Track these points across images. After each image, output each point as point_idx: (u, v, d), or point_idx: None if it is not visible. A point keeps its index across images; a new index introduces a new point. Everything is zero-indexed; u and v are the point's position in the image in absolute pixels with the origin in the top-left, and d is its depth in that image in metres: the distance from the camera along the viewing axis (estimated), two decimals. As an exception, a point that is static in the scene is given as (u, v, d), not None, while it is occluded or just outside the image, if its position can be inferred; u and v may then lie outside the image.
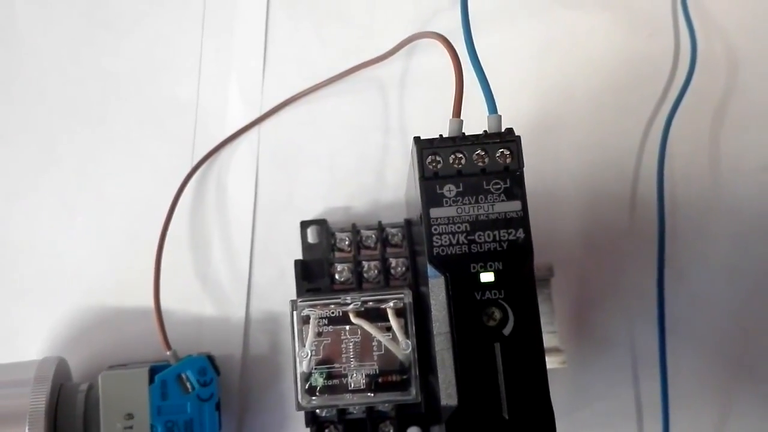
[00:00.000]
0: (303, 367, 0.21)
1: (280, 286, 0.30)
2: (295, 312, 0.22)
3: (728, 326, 0.30)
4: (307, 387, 0.21)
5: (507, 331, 0.17)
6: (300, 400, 0.21)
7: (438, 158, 0.18)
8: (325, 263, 0.27)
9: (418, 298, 0.22)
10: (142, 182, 0.31)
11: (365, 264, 0.27)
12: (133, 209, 0.31)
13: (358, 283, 0.26)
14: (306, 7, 0.32)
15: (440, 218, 0.18)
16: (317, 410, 0.25)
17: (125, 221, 0.31)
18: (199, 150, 0.31)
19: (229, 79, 0.31)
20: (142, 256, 0.30)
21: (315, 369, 0.21)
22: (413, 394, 0.21)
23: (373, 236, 0.28)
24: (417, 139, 0.19)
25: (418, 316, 0.21)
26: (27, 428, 0.25)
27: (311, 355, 0.21)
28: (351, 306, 0.21)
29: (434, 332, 0.17)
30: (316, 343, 0.21)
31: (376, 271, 0.26)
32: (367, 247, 0.28)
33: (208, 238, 0.31)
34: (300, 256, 0.29)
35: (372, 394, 0.21)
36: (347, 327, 0.21)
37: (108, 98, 0.31)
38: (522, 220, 0.18)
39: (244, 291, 0.30)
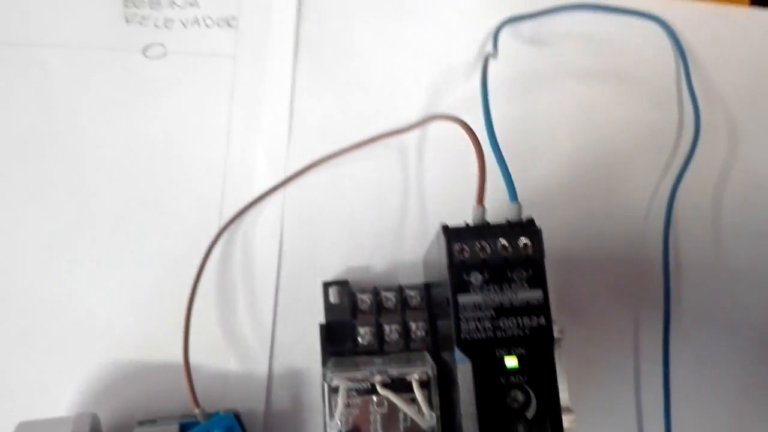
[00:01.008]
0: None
1: (302, 344, 0.32)
2: (325, 383, 0.23)
3: (730, 387, 0.31)
4: (336, 454, 0.22)
5: (530, 414, 0.18)
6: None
7: (465, 247, 0.20)
8: (348, 327, 0.28)
9: (440, 364, 0.24)
10: (171, 241, 0.32)
11: (386, 327, 0.28)
12: (162, 267, 0.32)
13: (379, 346, 0.27)
14: (329, 78, 0.34)
15: (467, 304, 0.19)
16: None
17: (155, 278, 0.32)
18: (226, 211, 0.32)
19: (256, 144, 0.33)
20: (170, 313, 0.32)
21: (345, 436, 0.22)
22: (437, 463, 0.22)
23: (393, 298, 0.29)
24: (446, 228, 0.20)
25: (441, 385, 0.22)
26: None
27: (341, 426, 0.22)
28: (378, 378, 0.23)
29: (461, 413, 0.19)
30: (345, 413, 0.23)
31: (397, 335, 0.28)
32: (388, 309, 0.29)
33: (234, 295, 0.32)
34: (322, 316, 0.31)
35: (398, 462, 0.22)
36: (374, 397, 0.23)
37: (140, 160, 0.33)
38: (543, 308, 0.19)
39: (268, 347, 0.32)
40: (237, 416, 0.28)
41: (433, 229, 0.31)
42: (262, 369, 0.32)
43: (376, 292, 0.29)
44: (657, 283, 0.31)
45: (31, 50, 0.34)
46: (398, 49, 0.33)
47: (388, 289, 0.30)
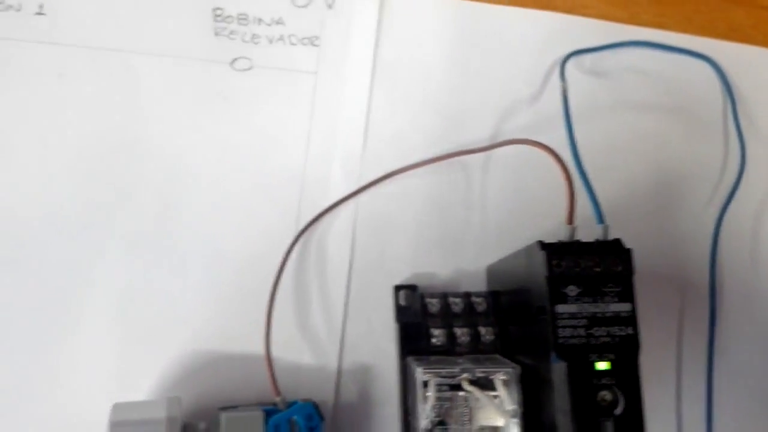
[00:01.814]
0: (424, 424, 0.25)
1: (370, 342, 0.34)
2: (417, 377, 0.25)
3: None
4: (427, 443, 0.25)
5: (618, 411, 0.21)
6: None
7: (561, 262, 0.22)
8: (421, 328, 0.31)
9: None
10: (251, 241, 0.35)
11: (457, 330, 0.30)
12: (242, 265, 0.35)
13: (451, 348, 0.30)
14: (402, 98, 0.36)
15: (564, 313, 0.22)
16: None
17: (235, 276, 0.34)
18: (303, 215, 0.35)
19: (333, 155, 0.36)
20: (248, 308, 0.34)
21: (434, 428, 0.25)
22: (519, 454, 0.24)
23: (461, 303, 0.32)
24: (544, 244, 0.23)
25: (524, 385, 0.25)
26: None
27: (431, 417, 0.25)
28: (465, 375, 0.25)
29: (556, 408, 0.21)
30: (435, 405, 0.25)
31: (467, 338, 0.30)
32: (455, 314, 0.32)
33: (308, 295, 0.34)
34: (390, 317, 0.33)
35: (482, 452, 0.25)
36: (460, 393, 0.25)
37: (224, 165, 0.35)
38: (632, 319, 0.22)
39: (338, 344, 0.34)
40: (315, 405, 0.31)
41: (494, 242, 0.34)
42: (332, 364, 0.34)
43: (444, 297, 0.32)
44: (699, 301, 0.34)
45: (125, 56, 0.36)
46: (467, 75, 0.36)
47: (455, 295, 0.32)
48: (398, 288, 0.34)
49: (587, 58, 0.36)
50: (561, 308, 0.22)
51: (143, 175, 0.35)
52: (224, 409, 0.32)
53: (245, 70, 0.36)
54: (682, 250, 0.35)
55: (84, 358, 0.33)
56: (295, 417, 0.30)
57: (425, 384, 0.25)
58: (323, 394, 0.33)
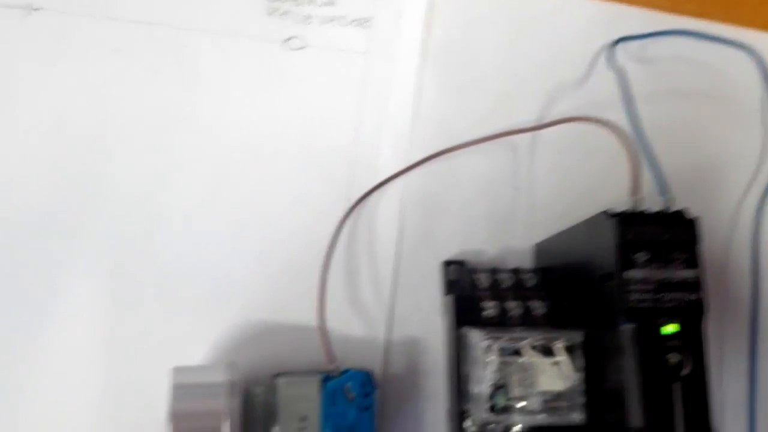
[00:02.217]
0: (485, 389, 0.26)
1: (417, 315, 0.35)
2: (480, 343, 0.26)
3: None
4: (488, 406, 0.26)
5: (685, 372, 0.22)
6: (483, 415, 0.26)
7: (629, 230, 0.23)
8: (473, 300, 0.32)
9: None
10: (302, 216, 0.36)
11: (509, 304, 0.31)
12: (293, 239, 0.36)
13: (503, 321, 0.31)
14: (451, 79, 0.37)
15: (633, 279, 0.23)
16: (468, 423, 0.30)
17: (287, 249, 0.35)
18: (353, 192, 0.36)
19: (382, 134, 0.37)
20: (300, 280, 0.35)
21: (495, 392, 0.26)
22: (579, 418, 0.25)
23: (509, 279, 0.33)
24: (613, 213, 0.24)
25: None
26: (226, 425, 0.29)
27: (492, 380, 0.26)
28: (526, 341, 0.26)
29: (625, 370, 0.22)
30: (496, 371, 0.26)
31: (519, 311, 0.31)
32: (504, 288, 0.33)
33: (358, 268, 0.35)
34: (436, 292, 0.34)
35: (544, 416, 0.26)
36: (520, 359, 0.26)
37: (277, 141, 0.36)
38: (698, 285, 0.23)
39: (386, 316, 0.35)
40: (369, 374, 0.32)
41: (542, 221, 0.35)
42: (380, 336, 0.35)
43: (493, 272, 0.33)
44: (743, 293, 0.35)
45: (180, 33, 0.37)
46: (516, 58, 0.37)
47: (504, 270, 0.33)
48: (447, 263, 0.35)
49: (632, 45, 0.37)
50: (630, 274, 0.23)
51: (197, 149, 0.36)
52: (278, 375, 0.33)
53: (298, 49, 0.37)
54: (721, 235, 0.36)
55: (139, 328, 0.34)
56: (349, 384, 0.31)
57: (487, 349, 0.26)
58: (371, 366, 0.34)
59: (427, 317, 0.35)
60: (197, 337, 0.34)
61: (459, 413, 0.30)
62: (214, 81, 0.37)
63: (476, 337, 0.27)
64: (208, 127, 0.36)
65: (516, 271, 0.33)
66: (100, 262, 0.35)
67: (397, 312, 0.35)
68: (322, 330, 0.33)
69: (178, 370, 0.31)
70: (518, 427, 0.28)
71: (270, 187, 0.36)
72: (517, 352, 0.26)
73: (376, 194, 0.36)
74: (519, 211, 0.36)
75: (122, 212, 0.35)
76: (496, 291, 0.32)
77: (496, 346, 0.26)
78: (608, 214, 0.24)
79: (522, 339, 0.26)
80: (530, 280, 0.33)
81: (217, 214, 0.36)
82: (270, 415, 0.30)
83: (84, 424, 0.33)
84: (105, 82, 0.36)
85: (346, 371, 0.32)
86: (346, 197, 0.36)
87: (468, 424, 0.30)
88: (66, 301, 0.34)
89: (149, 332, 0.34)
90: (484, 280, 0.33)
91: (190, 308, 0.34)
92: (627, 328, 0.22)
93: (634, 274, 0.23)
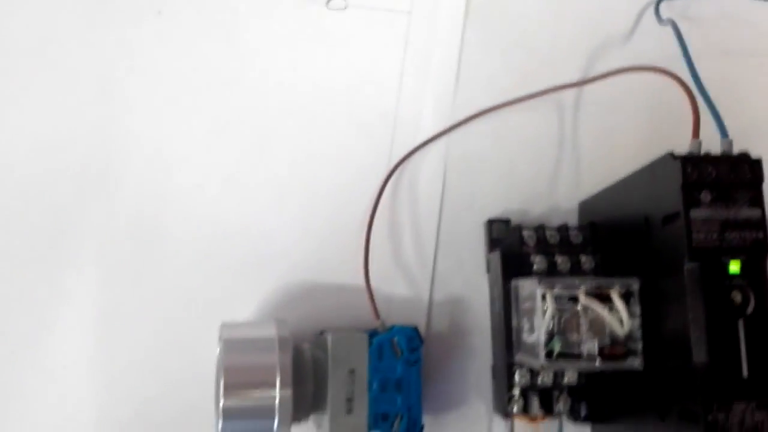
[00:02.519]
0: (541, 336, 0.26)
1: (459, 274, 0.35)
2: (538, 289, 0.26)
3: None
4: (544, 353, 0.26)
5: (749, 310, 0.22)
6: (541, 360, 0.25)
7: (693, 170, 0.23)
8: (521, 257, 0.31)
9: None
10: (344, 177, 0.36)
11: (558, 258, 0.31)
12: (335, 200, 0.36)
13: (551, 274, 0.31)
14: (495, 37, 0.37)
15: (697, 217, 0.23)
16: (517, 378, 0.30)
17: (328, 209, 0.35)
18: (395, 152, 0.36)
19: (425, 94, 0.36)
20: (342, 240, 0.35)
21: (551, 339, 0.26)
22: (637, 363, 0.25)
23: (556, 235, 0.33)
24: (677, 156, 0.23)
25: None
26: (278, 379, 0.29)
27: (548, 327, 0.26)
28: (582, 288, 0.26)
29: (689, 307, 0.22)
30: (551, 316, 0.26)
31: (568, 265, 0.31)
32: (551, 245, 0.33)
33: (401, 228, 0.35)
34: (480, 251, 0.35)
35: (600, 362, 0.25)
36: (578, 306, 0.26)
37: (319, 103, 0.36)
38: (761, 224, 0.22)
39: (429, 275, 0.35)
40: (415, 329, 0.32)
41: (586, 179, 0.35)
42: (424, 295, 0.35)
43: (541, 228, 0.32)
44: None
45: (223, -5, 0.37)
46: (560, 15, 0.37)
47: (550, 228, 0.33)
48: (491, 222, 0.35)
49: (678, 3, 0.36)
50: (695, 213, 0.23)
51: (240, 110, 0.36)
52: (324, 332, 0.33)
53: (340, 9, 0.37)
54: None
55: (183, 290, 0.34)
56: (396, 338, 0.31)
57: (543, 296, 0.26)
58: (415, 324, 0.34)
59: (470, 276, 0.35)
60: (241, 298, 0.34)
61: (509, 366, 0.30)
62: (257, 42, 0.37)
63: (530, 286, 0.27)
64: (251, 89, 0.36)
65: (562, 228, 0.33)
66: (141, 224, 0.35)
67: (439, 271, 0.35)
68: (368, 287, 0.33)
69: (227, 326, 0.31)
70: (570, 376, 0.28)
71: (313, 147, 0.36)
72: (572, 300, 0.26)
73: (419, 154, 0.36)
74: (563, 169, 0.36)
75: (164, 175, 0.35)
76: (543, 247, 0.32)
77: (551, 293, 0.26)
78: (673, 156, 0.23)
79: (577, 286, 0.26)
80: (577, 237, 0.32)
81: (259, 175, 0.36)
82: (319, 369, 0.31)
83: (134, 380, 0.34)
84: (148, 44, 0.36)
85: (392, 327, 0.32)
86: (389, 157, 0.36)
87: (517, 378, 0.30)
88: (108, 263, 0.35)
89: (193, 294, 0.34)
90: (529, 237, 0.33)
91: (234, 269, 0.35)
92: (692, 267, 0.22)
93: (699, 213, 0.23)
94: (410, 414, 0.31)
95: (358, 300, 0.34)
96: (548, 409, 0.31)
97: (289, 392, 0.29)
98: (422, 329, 0.34)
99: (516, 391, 0.31)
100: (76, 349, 0.34)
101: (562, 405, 0.31)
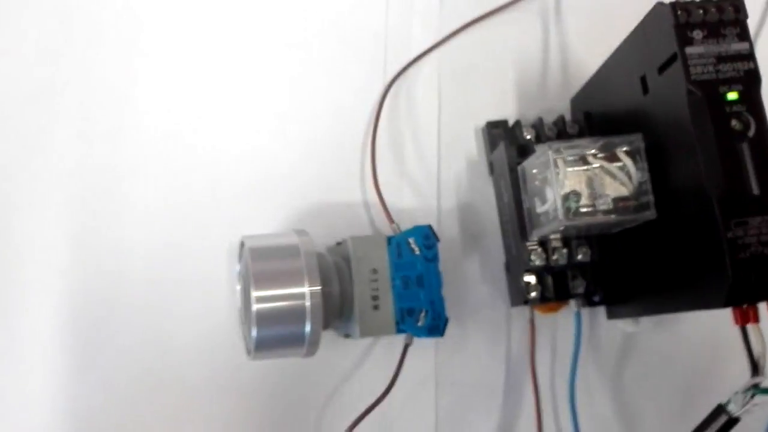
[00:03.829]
0: (557, 198, 0.27)
1: (464, 180, 0.36)
2: (550, 152, 0.27)
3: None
4: (563, 212, 0.27)
5: (751, 133, 0.23)
6: (561, 218, 0.27)
7: (684, 13, 0.24)
8: (525, 149, 0.32)
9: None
10: (341, 97, 0.36)
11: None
12: (334, 120, 0.36)
13: (554, 159, 0.32)
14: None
15: (692, 54, 0.24)
16: (533, 258, 0.31)
17: (328, 130, 0.36)
18: (389, 69, 0.37)
19: (413, 10, 0.37)
20: (345, 158, 0.36)
21: (567, 197, 0.27)
22: (650, 213, 0.26)
23: (554, 128, 0.34)
24: (668, 2, 0.25)
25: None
26: (306, 280, 0.29)
27: (564, 186, 0.27)
28: (591, 150, 0.27)
29: (697, 135, 0.23)
30: (565, 177, 0.27)
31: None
32: (549, 137, 0.34)
33: (402, 141, 0.36)
34: (481, 154, 0.36)
35: (616, 217, 0.27)
36: (587, 166, 0.27)
37: (310, 26, 0.37)
38: (751, 56, 0.24)
39: (435, 185, 0.36)
40: (430, 227, 0.32)
41: (575, 78, 0.36)
42: (431, 203, 0.36)
43: (540, 122, 0.34)
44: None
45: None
46: None
47: (546, 124, 0.34)
48: (490, 124, 0.36)
49: None
50: (690, 50, 0.24)
51: (234, 43, 0.36)
52: (340, 243, 0.34)
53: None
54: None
55: (191, 218, 0.35)
56: (413, 238, 0.32)
57: (555, 161, 0.27)
58: (428, 226, 0.35)
59: (474, 182, 0.36)
60: (251, 222, 0.34)
61: (524, 250, 0.31)
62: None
63: (542, 153, 0.28)
64: (241, 20, 0.37)
65: (559, 121, 0.34)
66: (146, 157, 0.35)
67: (444, 180, 0.36)
68: (379, 194, 0.34)
69: (249, 237, 0.31)
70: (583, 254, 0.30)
71: (308, 72, 0.37)
72: (582, 161, 0.27)
73: (412, 70, 0.37)
74: (551, 72, 0.37)
75: (166, 108, 0.36)
76: (543, 140, 0.33)
77: (561, 156, 0.27)
78: (662, 4, 0.25)
79: (585, 146, 0.27)
80: (573, 128, 0.33)
81: (259, 104, 0.36)
82: (341, 273, 0.31)
83: (150, 316, 0.34)
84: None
85: (409, 228, 0.33)
86: (383, 75, 0.37)
87: (533, 258, 0.31)
88: (118, 193, 0.35)
89: (204, 221, 0.35)
90: (528, 133, 0.34)
91: (240, 195, 0.35)
92: (694, 98, 0.24)
93: (694, 50, 0.24)
94: (433, 308, 0.31)
95: (366, 215, 0.35)
96: (564, 293, 0.33)
97: (318, 292, 0.29)
98: (433, 236, 0.36)
99: (532, 278, 0.32)
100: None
101: (577, 284, 0.32)
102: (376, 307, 0.31)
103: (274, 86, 0.36)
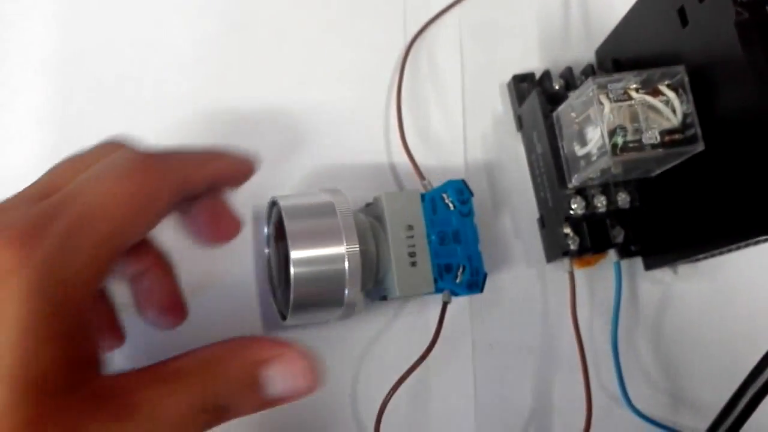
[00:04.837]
0: (606, 132, 0.26)
1: (490, 137, 0.35)
2: (594, 86, 0.26)
3: None
4: (611, 145, 0.26)
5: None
6: (609, 155, 0.26)
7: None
8: (555, 96, 0.32)
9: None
10: (363, 57, 0.36)
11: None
12: (356, 81, 0.35)
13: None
14: None
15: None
16: (573, 206, 0.30)
17: (351, 90, 0.35)
18: (409, 28, 0.36)
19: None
20: (369, 119, 0.35)
21: (616, 131, 0.26)
22: (699, 146, 0.26)
23: (582, 77, 0.33)
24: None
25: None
26: (344, 237, 0.28)
27: (609, 122, 0.26)
28: (633, 84, 0.27)
29: (748, 59, 0.23)
30: (611, 112, 0.26)
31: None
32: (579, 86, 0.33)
33: (426, 101, 0.35)
34: (508, 111, 0.35)
35: (663, 151, 0.26)
36: (630, 101, 0.27)
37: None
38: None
39: (461, 143, 0.35)
40: (464, 182, 0.32)
41: (599, 29, 0.36)
42: (458, 162, 0.35)
43: (569, 72, 0.33)
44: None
45: None
46: None
47: (575, 76, 0.33)
48: (516, 78, 0.35)
49: None
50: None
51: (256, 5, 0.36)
52: (369, 205, 0.33)
53: None
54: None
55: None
56: (447, 192, 0.31)
57: (598, 98, 0.27)
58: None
59: (500, 138, 0.35)
60: (276, 188, 0.33)
61: (563, 198, 0.30)
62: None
63: (585, 86, 0.27)
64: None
65: (587, 70, 0.33)
66: (165, 118, 0.34)
67: (470, 137, 0.35)
68: (408, 152, 0.33)
69: (281, 197, 0.30)
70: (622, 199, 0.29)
71: (326, 35, 0.36)
72: (625, 97, 0.27)
73: (433, 29, 0.36)
74: (573, 26, 0.37)
75: (187, 74, 0.35)
76: (572, 89, 0.33)
77: (605, 92, 0.26)
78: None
79: (629, 80, 0.27)
80: (602, 75, 0.33)
81: (278, 68, 0.35)
82: (376, 231, 0.30)
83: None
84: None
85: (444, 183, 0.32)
86: (404, 34, 0.36)
87: (574, 206, 0.30)
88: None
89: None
90: (557, 83, 0.33)
91: (264, 160, 0.33)
92: (742, 19, 0.23)
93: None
94: (471, 263, 0.30)
95: (393, 176, 0.35)
96: (603, 243, 0.32)
97: (356, 252, 0.28)
98: (463, 194, 0.35)
99: (569, 230, 0.31)
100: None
101: (616, 233, 0.31)
102: (413, 264, 0.30)
103: (294, 50, 0.35)
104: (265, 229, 0.31)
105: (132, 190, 0.22)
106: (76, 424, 0.19)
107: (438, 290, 0.30)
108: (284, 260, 0.29)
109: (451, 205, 0.31)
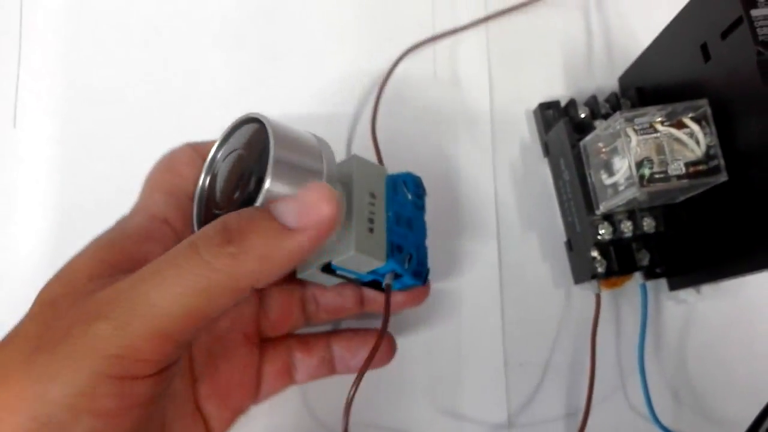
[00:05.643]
0: (633, 163, 0.27)
1: (517, 163, 0.37)
2: (621, 119, 0.28)
3: None
4: (637, 178, 0.27)
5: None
6: (636, 186, 0.27)
7: (748, -19, 0.25)
8: (581, 125, 0.33)
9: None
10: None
11: (616, 121, 0.33)
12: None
13: (613, 134, 0.32)
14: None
15: (758, 16, 0.25)
16: (601, 231, 0.31)
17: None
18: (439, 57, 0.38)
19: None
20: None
21: (643, 163, 0.27)
22: (722, 176, 0.27)
23: (607, 106, 0.35)
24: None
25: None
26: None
27: (636, 155, 0.27)
28: (658, 117, 0.28)
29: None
30: (638, 145, 0.28)
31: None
32: (605, 116, 0.35)
33: (456, 128, 0.37)
34: (533, 140, 0.37)
35: (687, 181, 0.27)
36: (656, 134, 0.28)
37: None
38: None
39: (490, 167, 0.37)
40: (419, 178, 0.32)
41: (620, 59, 0.37)
42: (487, 188, 0.36)
43: (594, 100, 0.34)
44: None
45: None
46: None
47: (599, 103, 0.35)
48: (543, 105, 0.36)
49: None
50: (755, 12, 0.25)
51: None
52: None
53: None
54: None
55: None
56: (405, 181, 0.31)
57: (624, 131, 0.28)
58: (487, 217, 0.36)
59: (527, 163, 0.37)
60: None
61: (590, 224, 0.32)
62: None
63: (613, 120, 0.28)
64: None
65: (611, 98, 0.35)
66: (163, 104, 0.36)
67: (498, 163, 0.37)
68: (374, 139, 0.35)
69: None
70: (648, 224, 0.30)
71: (327, 40, 0.38)
72: (650, 130, 0.28)
73: (461, 50, 0.38)
74: (595, 55, 0.38)
75: (184, 65, 0.36)
76: (597, 118, 0.34)
77: (632, 126, 0.28)
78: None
79: (653, 114, 0.28)
80: (626, 104, 0.34)
81: (292, 51, 0.37)
82: (345, 184, 0.29)
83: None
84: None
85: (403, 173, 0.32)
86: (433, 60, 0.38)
87: (602, 231, 0.32)
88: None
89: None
90: (585, 110, 0.35)
91: None
92: (764, 59, 0.24)
93: (759, 12, 0.25)
94: (418, 254, 0.30)
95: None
96: (629, 266, 0.33)
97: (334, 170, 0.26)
98: (492, 219, 0.36)
99: (596, 253, 0.33)
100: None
101: (642, 256, 0.33)
102: (371, 230, 0.29)
103: (312, 35, 0.37)
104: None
105: None
106: None
107: (386, 269, 0.29)
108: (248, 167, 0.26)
109: (408, 194, 0.31)
